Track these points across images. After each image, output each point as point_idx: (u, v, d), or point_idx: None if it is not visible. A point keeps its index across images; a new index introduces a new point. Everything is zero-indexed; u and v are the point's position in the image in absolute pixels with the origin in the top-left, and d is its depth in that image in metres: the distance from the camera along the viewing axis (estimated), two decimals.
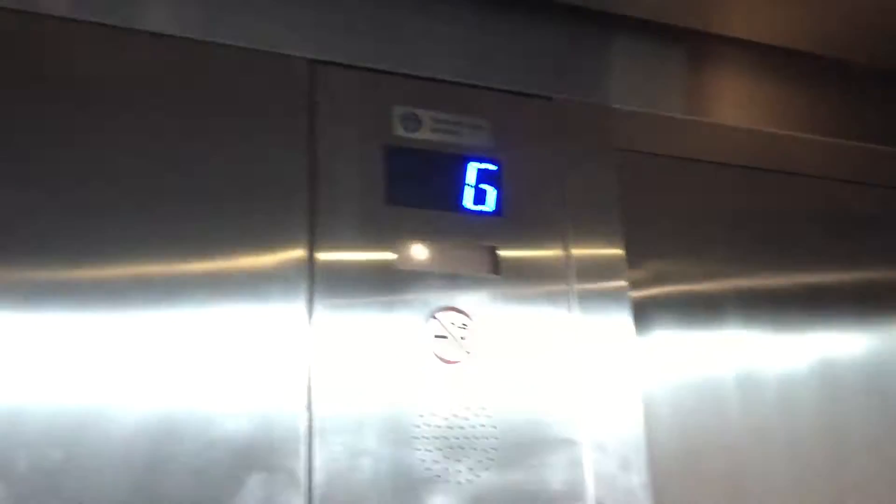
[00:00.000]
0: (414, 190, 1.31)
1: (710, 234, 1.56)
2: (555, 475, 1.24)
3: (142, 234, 1.15)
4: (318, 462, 1.13)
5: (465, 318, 1.27)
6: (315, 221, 1.24)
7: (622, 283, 1.41)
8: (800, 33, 1.73)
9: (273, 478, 1.11)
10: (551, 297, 1.34)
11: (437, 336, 1.25)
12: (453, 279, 1.29)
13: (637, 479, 1.30)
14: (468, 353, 1.26)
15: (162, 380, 1.10)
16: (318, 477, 1.13)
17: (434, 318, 1.26)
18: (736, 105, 1.73)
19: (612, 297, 1.39)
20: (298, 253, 1.22)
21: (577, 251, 1.39)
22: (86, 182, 1.14)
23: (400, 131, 1.34)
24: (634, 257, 1.44)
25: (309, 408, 1.15)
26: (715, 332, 1.49)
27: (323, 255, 1.23)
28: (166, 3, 1.28)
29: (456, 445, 1.20)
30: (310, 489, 1.12)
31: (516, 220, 1.37)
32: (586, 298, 1.37)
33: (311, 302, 1.20)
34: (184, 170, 1.19)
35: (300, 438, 1.13)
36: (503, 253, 1.33)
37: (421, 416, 1.20)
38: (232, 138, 1.23)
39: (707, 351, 1.46)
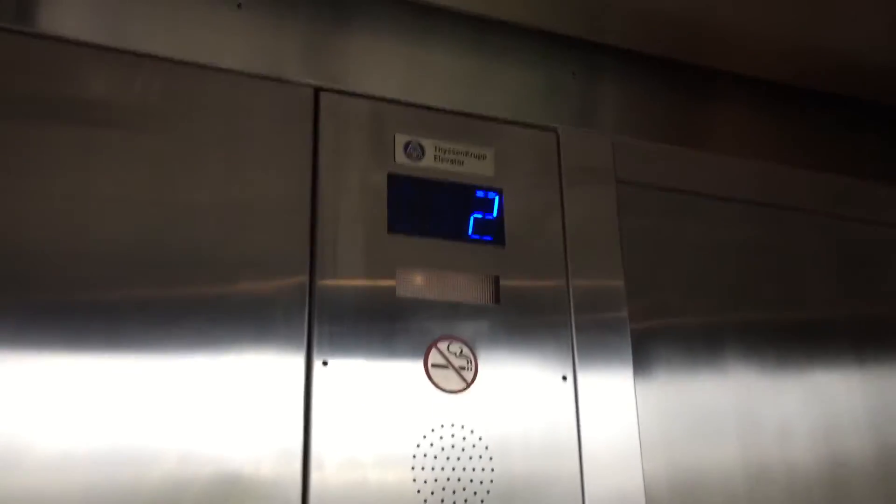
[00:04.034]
0: (416, 219, 1.32)
1: (710, 267, 1.56)
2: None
3: (141, 259, 1.15)
4: (313, 488, 1.12)
5: (465, 346, 1.27)
6: (316, 249, 1.24)
7: (621, 314, 1.41)
8: (801, 69, 1.75)
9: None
10: (552, 328, 1.34)
11: (435, 365, 1.24)
12: (454, 308, 1.29)
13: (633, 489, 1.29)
14: (467, 382, 1.25)
15: (156, 419, 1.10)
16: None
17: (434, 347, 1.25)
18: (737, 138, 1.74)
19: (612, 328, 1.39)
20: (299, 280, 1.22)
21: (577, 282, 1.39)
22: (85, 205, 1.14)
23: (403, 160, 1.35)
24: (634, 289, 1.44)
25: (307, 432, 1.14)
26: (714, 367, 1.48)
27: (323, 283, 1.23)
28: (172, 28, 1.29)
29: (453, 476, 1.19)
30: None
31: (517, 250, 1.37)
32: (586, 329, 1.36)
33: (310, 329, 1.20)
34: (185, 196, 1.19)
35: (296, 472, 1.13)
36: (505, 283, 1.33)
37: (418, 445, 1.20)
38: (236, 163, 1.24)
39: (706, 386, 1.46)
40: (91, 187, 1.15)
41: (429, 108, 1.41)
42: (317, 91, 1.33)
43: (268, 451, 1.12)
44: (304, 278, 1.22)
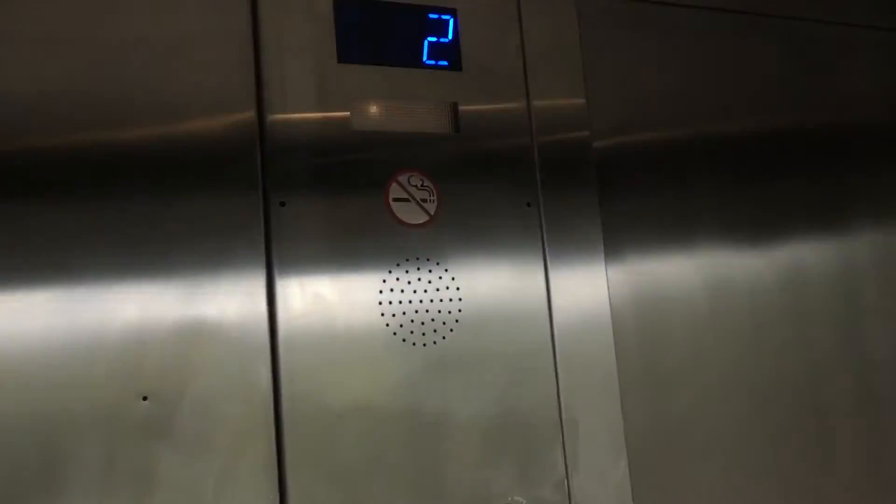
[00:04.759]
0: (366, 46, 1.24)
1: (673, 79, 1.51)
2: (520, 332, 1.25)
3: (73, 103, 1.08)
4: (281, 331, 1.12)
5: (426, 178, 1.24)
6: (262, 83, 1.17)
7: (584, 133, 1.38)
8: None
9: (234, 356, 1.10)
10: (513, 153, 1.31)
11: (396, 199, 1.21)
12: (412, 138, 1.24)
13: (602, 341, 1.31)
14: (430, 214, 1.23)
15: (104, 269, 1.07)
16: (284, 345, 1.12)
17: (394, 180, 1.22)
18: None
19: (575, 149, 1.36)
20: (247, 116, 1.16)
21: (538, 103, 1.34)
22: (9, 50, 1.06)
23: None
24: (596, 107, 1.40)
25: (269, 275, 1.13)
26: (677, 181, 1.47)
27: (273, 118, 1.17)
28: None
29: (421, 308, 1.20)
30: (276, 360, 1.11)
31: (475, 73, 1.30)
32: (549, 152, 1.33)
33: (263, 168, 1.15)
34: (113, 32, 1.11)
35: (261, 315, 1.12)
36: (463, 108, 1.28)
37: (384, 280, 1.19)
38: None
39: (669, 201, 1.45)
40: (10, 30, 1.06)
41: None
42: None
43: (231, 298, 1.10)
44: (253, 114, 1.16)
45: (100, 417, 1.02)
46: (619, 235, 1.38)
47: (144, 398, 1.05)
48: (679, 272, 1.43)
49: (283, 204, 1.15)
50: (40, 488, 0.99)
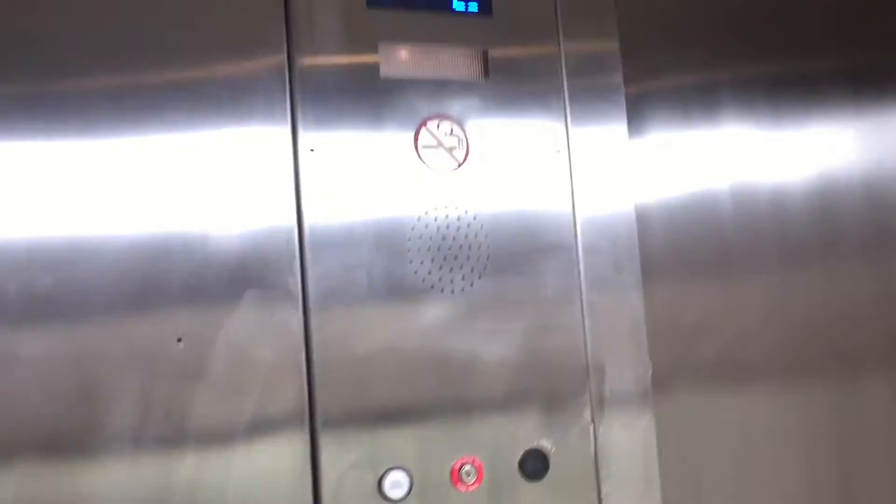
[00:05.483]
0: None
1: (705, 20, 1.48)
2: (548, 280, 1.26)
3: (113, 42, 1.08)
4: (311, 277, 1.13)
5: (455, 125, 1.23)
6: (291, 26, 1.17)
7: (616, 78, 1.36)
8: None
9: (268, 293, 1.12)
10: (544, 99, 1.29)
11: (425, 146, 1.21)
12: (442, 85, 1.23)
13: (630, 279, 1.31)
14: (458, 161, 1.23)
15: (148, 202, 1.08)
16: (313, 291, 1.13)
17: (423, 127, 1.21)
18: None
19: (606, 94, 1.34)
20: (277, 60, 1.15)
21: (570, 47, 1.32)
22: None
23: None
24: (628, 50, 1.38)
25: (299, 222, 1.14)
26: (709, 127, 1.45)
27: (303, 62, 1.17)
28: None
29: (449, 256, 1.20)
30: (305, 303, 1.13)
31: (505, 18, 1.28)
32: (579, 97, 1.31)
33: (293, 112, 1.15)
34: None
35: (293, 254, 1.13)
36: (493, 54, 1.26)
37: (413, 228, 1.19)
38: None
39: (701, 147, 1.43)
40: None
41: None
42: None
43: (260, 240, 1.12)
44: (283, 58, 1.16)
45: (136, 357, 1.05)
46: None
47: (179, 340, 1.07)
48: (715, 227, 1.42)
49: (312, 150, 1.15)
50: (80, 421, 1.03)
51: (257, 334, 1.10)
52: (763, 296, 1.46)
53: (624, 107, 1.35)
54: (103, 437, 1.03)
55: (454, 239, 1.21)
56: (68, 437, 1.02)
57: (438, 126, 1.22)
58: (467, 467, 1.18)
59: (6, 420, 1.00)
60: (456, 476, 1.17)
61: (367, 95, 1.19)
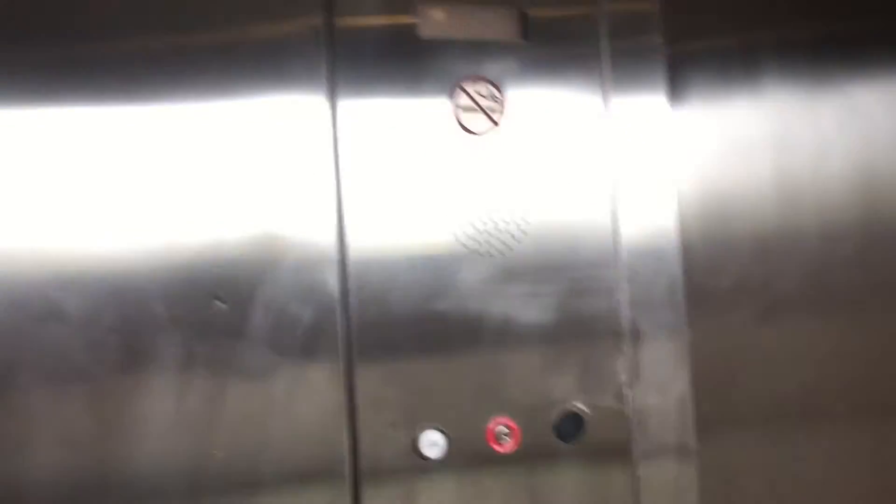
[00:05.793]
0: None
1: None
2: (585, 244, 1.25)
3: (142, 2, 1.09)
4: (350, 240, 1.14)
5: (493, 87, 1.22)
6: None
7: (657, 37, 1.34)
8: None
9: (307, 256, 1.13)
10: (583, 61, 1.28)
11: (463, 108, 1.20)
12: (480, 46, 1.22)
13: (668, 244, 1.30)
14: (496, 123, 1.22)
15: (184, 173, 1.10)
16: (352, 253, 1.14)
17: (461, 89, 1.21)
18: None
19: (646, 55, 1.32)
20: (315, 21, 1.15)
21: (610, 6, 1.30)
22: None
23: None
24: (667, 10, 1.35)
25: (338, 188, 1.15)
26: (750, 89, 1.42)
27: (342, 22, 1.16)
28: None
29: (486, 217, 1.21)
30: (343, 264, 1.14)
31: None
32: (620, 58, 1.30)
33: (331, 75, 1.15)
34: None
35: (331, 220, 1.14)
36: (533, 14, 1.25)
37: (450, 190, 1.19)
38: None
39: (742, 110, 1.41)
40: None
41: None
42: None
43: (301, 211, 1.13)
44: (320, 19, 1.16)
45: (177, 314, 1.07)
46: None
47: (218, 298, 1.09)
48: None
49: (350, 112, 1.16)
50: (125, 374, 1.06)
51: (295, 294, 1.12)
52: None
53: (665, 68, 1.33)
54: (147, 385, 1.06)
55: (492, 202, 1.21)
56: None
57: (476, 88, 1.21)
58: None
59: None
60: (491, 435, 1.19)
61: (406, 56, 1.19)
